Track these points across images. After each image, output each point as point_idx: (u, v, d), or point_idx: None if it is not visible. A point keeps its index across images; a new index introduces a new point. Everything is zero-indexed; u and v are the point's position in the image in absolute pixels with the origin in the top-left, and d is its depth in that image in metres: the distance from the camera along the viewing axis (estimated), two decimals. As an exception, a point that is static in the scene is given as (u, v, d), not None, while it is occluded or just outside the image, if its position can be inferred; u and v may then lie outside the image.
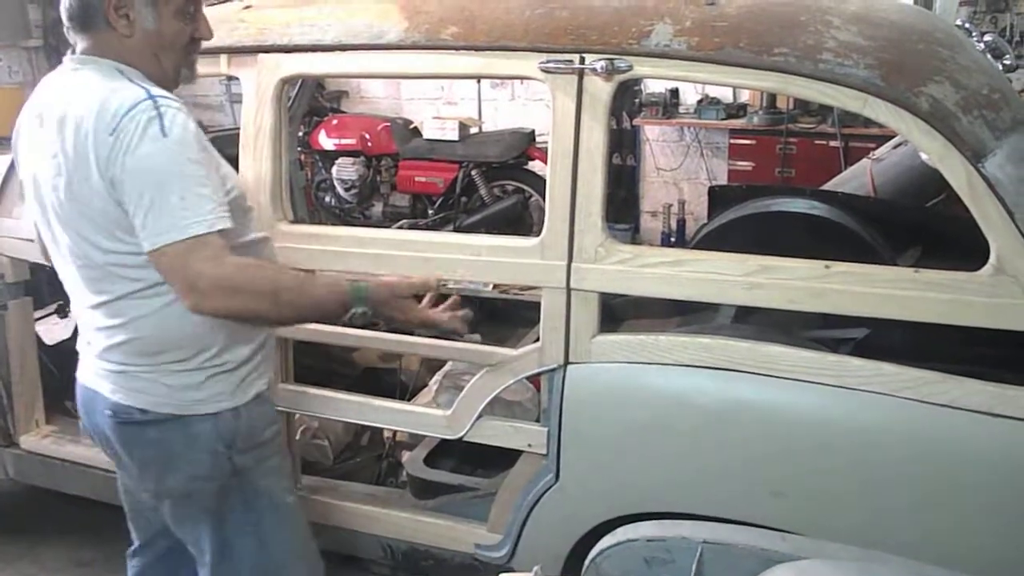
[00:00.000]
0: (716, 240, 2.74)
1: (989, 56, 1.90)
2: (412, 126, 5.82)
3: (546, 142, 5.52)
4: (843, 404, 1.73)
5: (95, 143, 1.53)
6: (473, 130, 5.72)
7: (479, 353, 2.06)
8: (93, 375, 1.75)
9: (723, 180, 5.58)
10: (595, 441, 1.89)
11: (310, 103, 5.98)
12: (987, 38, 1.86)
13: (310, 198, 5.74)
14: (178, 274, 1.53)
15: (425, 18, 1.98)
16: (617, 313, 2.69)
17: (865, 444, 1.72)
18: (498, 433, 2.00)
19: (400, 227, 5.49)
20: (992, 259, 1.65)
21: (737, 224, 2.90)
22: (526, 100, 6.34)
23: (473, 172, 5.42)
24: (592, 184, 1.83)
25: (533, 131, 5.50)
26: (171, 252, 1.52)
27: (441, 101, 6.49)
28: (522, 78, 1.92)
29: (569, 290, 1.86)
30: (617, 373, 1.86)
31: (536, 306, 1.94)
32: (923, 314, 1.70)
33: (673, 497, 1.84)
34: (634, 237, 6.13)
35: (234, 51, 2.13)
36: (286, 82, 2.11)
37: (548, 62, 1.83)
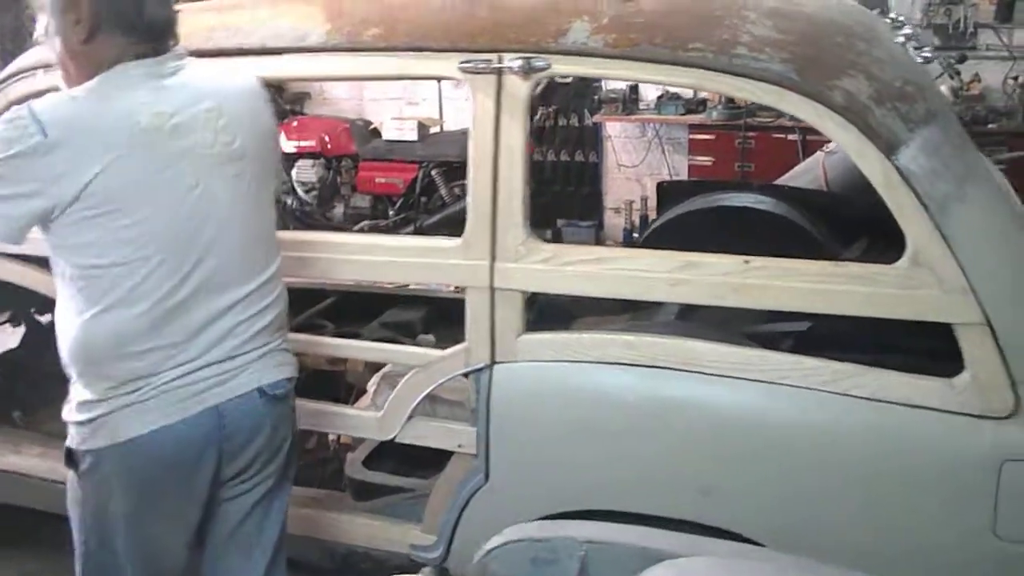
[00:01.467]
0: (663, 236, 2.75)
1: (911, 49, 1.90)
2: (372, 127, 5.80)
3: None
4: (763, 399, 1.73)
5: None
6: (434, 130, 5.71)
7: (408, 354, 2.05)
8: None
9: (684, 175, 5.60)
10: (522, 441, 1.88)
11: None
12: (906, 30, 1.86)
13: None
14: None
15: (348, 20, 1.97)
16: (572, 311, 2.69)
17: (785, 438, 1.73)
18: (429, 434, 2.00)
19: (360, 228, 5.49)
20: (908, 251, 1.66)
21: (683, 220, 2.91)
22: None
23: (433, 172, 5.41)
24: (512, 183, 1.83)
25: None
26: None
27: (403, 101, 6.47)
28: (442, 78, 1.91)
29: (493, 289, 1.86)
30: (542, 372, 1.86)
31: None
32: (843, 307, 1.71)
33: (602, 496, 1.84)
34: (598, 234, 6.15)
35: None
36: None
37: (467, 62, 1.83)
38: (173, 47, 1.64)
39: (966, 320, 1.64)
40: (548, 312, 2.31)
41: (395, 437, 2.03)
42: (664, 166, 6.00)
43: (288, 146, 5.76)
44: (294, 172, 5.68)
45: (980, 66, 5.09)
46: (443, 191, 5.41)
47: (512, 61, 1.79)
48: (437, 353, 1.97)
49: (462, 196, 5.39)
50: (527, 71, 1.79)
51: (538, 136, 6.08)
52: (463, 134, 5.53)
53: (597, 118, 5.87)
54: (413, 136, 5.38)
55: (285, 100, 6.27)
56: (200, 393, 1.63)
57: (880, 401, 1.69)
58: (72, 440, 1.65)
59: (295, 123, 5.88)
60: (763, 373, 1.73)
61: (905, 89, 1.72)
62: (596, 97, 5.71)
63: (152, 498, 1.65)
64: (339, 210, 5.71)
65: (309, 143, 5.70)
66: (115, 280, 1.55)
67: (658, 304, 2.46)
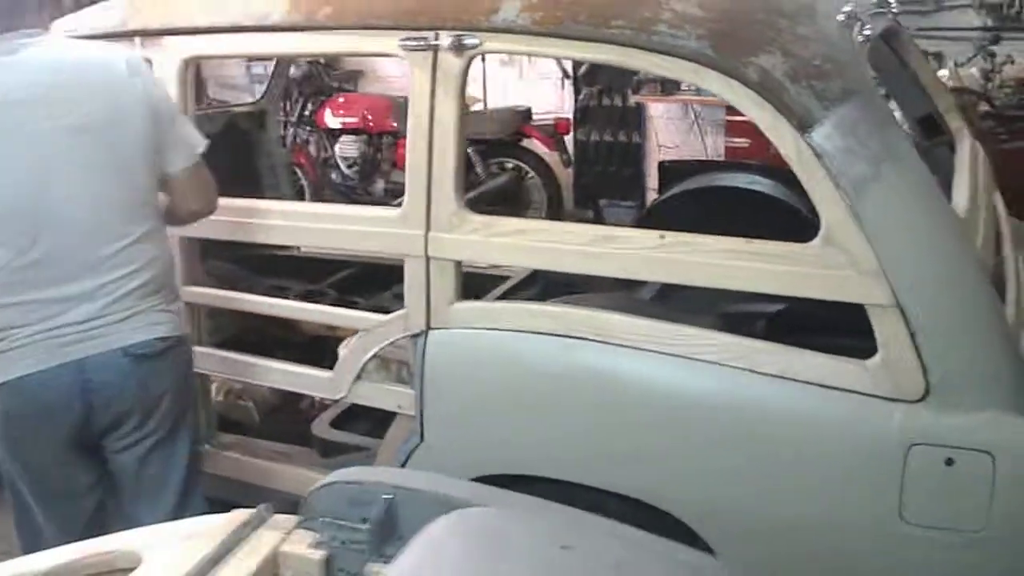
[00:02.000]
0: (659, 215, 2.78)
1: (856, 26, 1.89)
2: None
3: (543, 120, 5.60)
4: (674, 372, 1.77)
5: None
6: (476, 107, 5.78)
7: (352, 319, 2.15)
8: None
9: (722, 157, 5.54)
10: (453, 404, 1.96)
11: (315, 83, 6.17)
12: (846, 7, 1.85)
13: (315, 175, 5.90)
14: None
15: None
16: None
17: (695, 412, 1.76)
18: (373, 394, 2.10)
19: (398, 204, 5.60)
20: (822, 230, 1.67)
21: (679, 199, 2.93)
22: (535, 78, 6.37)
23: (469, 149, 5.50)
24: (446, 156, 1.90)
25: (529, 109, 5.54)
26: None
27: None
28: (386, 55, 1.99)
29: (428, 258, 1.94)
30: (471, 339, 1.93)
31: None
32: (758, 284, 1.73)
33: (528, 461, 1.91)
34: (638, 214, 6.14)
35: (144, 34, 2.26)
36: (189, 63, 2.22)
37: (406, 39, 1.90)
38: (31, 25, 1.77)
39: (878, 302, 1.64)
40: (551, 288, 2.39)
41: (345, 397, 2.14)
42: (704, 147, 5.95)
43: (333, 122, 5.93)
44: (337, 147, 5.86)
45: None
46: (479, 168, 5.49)
47: (446, 39, 1.86)
48: (380, 318, 2.07)
49: (498, 174, 5.52)
50: (459, 48, 1.86)
51: (582, 116, 6.11)
52: (503, 112, 5.59)
53: (638, 99, 5.85)
54: (451, 114, 5.46)
55: (337, 78, 6.45)
56: (62, 347, 1.77)
57: (794, 380, 1.70)
58: None
59: (340, 100, 6.05)
60: (676, 347, 1.77)
61: (824, 67, 1.72)
62: (636, 77, 5.70)
63: (25, 439, 1.82)
64: (379, 185, 5.86)
65: (352, 120, 5.85)
66: None
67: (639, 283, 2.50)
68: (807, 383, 1.70)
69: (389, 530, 1.07)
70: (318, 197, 5.67)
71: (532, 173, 5.45)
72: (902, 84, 2.59)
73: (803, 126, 1.65)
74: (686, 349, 1.76)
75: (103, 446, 1.89)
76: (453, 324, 1.94)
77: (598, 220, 5.83)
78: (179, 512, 1.90)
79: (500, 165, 5.55)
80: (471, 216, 1.91)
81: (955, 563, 1.63)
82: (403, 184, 6.33)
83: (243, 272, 3.09)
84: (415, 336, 1.98)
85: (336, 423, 2.49)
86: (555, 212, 5.44)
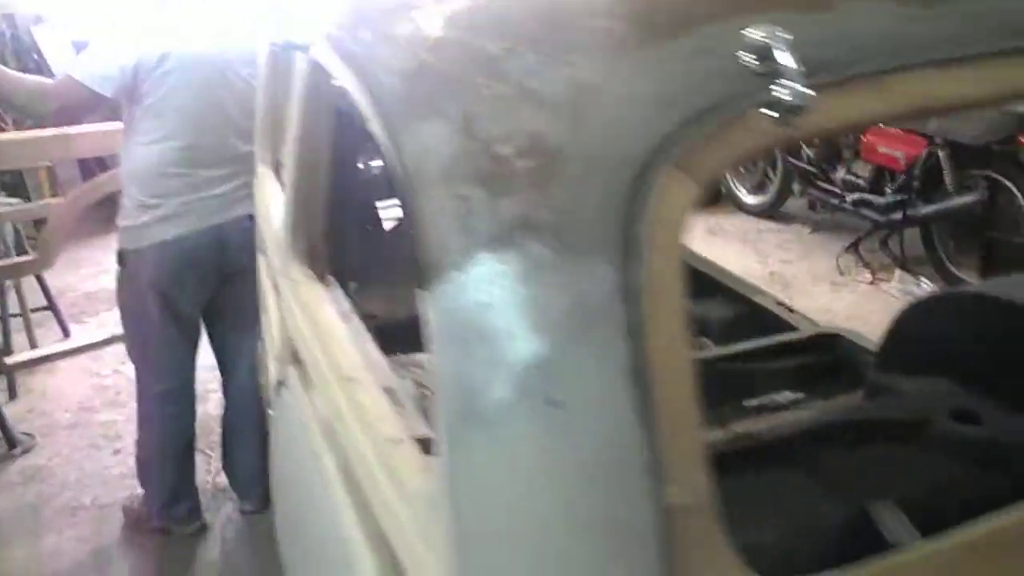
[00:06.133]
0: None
1: None
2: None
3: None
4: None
5: None
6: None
7: None
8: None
9: None
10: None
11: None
12: None
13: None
14: None
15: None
16: None
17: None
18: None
19: (858, 201, 4.81)
20: None
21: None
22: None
23: (940, 152, 4.43)
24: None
25: (1035, 110, 4.23)
26: None
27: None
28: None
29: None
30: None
31: None
32: None
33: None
34: None
35: None
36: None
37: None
38: None
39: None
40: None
41: None
42: None
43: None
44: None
45: None
46: (947, 177, 4.41)
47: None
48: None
49: (973, 188, 4.37)
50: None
51: None
52: (998, 112, 4.39)
53: None
54: (931, 103, 4.41)
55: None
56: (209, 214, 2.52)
57: None
58: (120, 243, 2.56)
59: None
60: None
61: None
62: None
63: (177, 280, 2.54)
64: (839, 174, 5.07)
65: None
66: None
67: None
68: None
69: None
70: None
71: (1018, 196, 4.18)
72: None
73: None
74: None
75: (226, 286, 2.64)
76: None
77: None
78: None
79: (976, 178, 4.38)
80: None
81: None
82: (862, 179, 5.44)
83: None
84: None
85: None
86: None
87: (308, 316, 1.38)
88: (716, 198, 5.92)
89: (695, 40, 0.84)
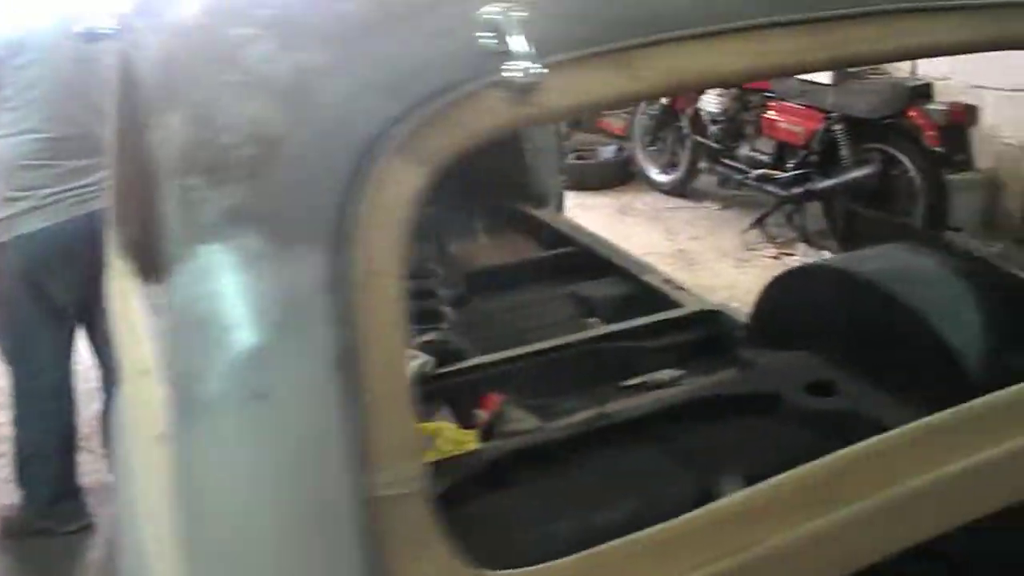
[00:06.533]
0: None
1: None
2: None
3: (940, 102, 4.30)
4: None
5: None
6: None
7: None
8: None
9: None
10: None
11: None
12: None
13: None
14: None
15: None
16: None
17: None
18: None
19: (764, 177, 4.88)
20: None
21: None
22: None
23: (836, 126, 4.51)
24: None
25: (927, 87, 4.33)
26: None
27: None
28: None
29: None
30: None
31: None
32: None
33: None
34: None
35: None
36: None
37: None
38: None
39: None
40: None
41: None
42: None
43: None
44: (702, 100, 5.25)
45: None
46: (844, 151, 4.49)
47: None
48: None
49: (869, 161, 4.45)
50: None
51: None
52: (886, 85, 4.46)
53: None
54: (827, 79, 4.51)
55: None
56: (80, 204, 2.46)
57: None
58: None
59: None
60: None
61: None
62: None
63: (48, 271, 2.49)
64: (743, 151, 5.14)
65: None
66: None
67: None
68: None
69: None
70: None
71: (910, 169, 4.29)
72: None
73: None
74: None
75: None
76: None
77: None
78: None
79: (871, 152, 4.47)
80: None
81: None
82: (765, 155, 5.52)
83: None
84: None
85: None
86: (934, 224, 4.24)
87: (124, 310, 1.34)
88: (629, 177, 5.95)
89: (434, 21, 0.82)
